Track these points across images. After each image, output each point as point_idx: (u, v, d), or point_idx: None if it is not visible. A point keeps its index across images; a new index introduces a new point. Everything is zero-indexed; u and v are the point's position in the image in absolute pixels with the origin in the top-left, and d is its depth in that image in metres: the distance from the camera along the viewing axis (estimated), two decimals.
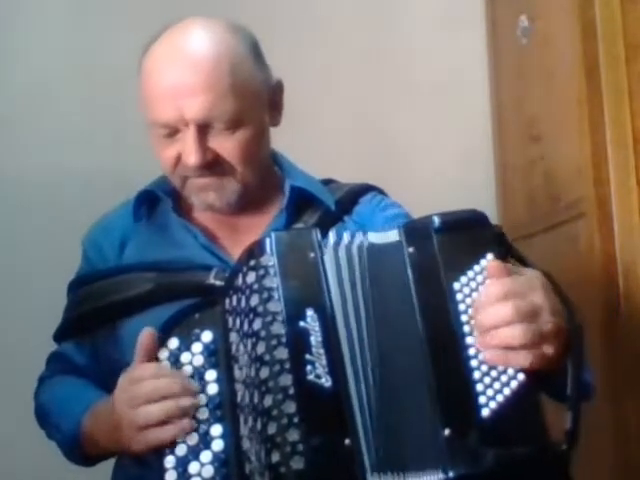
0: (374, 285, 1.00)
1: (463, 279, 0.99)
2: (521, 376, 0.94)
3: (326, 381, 0.93)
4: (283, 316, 0.96)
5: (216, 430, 0.98)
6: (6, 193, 2.00)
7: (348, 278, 1.01)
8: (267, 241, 1.02)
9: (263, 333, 0.96)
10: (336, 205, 1.26)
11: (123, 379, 1.04)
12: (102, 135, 2.03)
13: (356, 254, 1.02)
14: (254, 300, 0.99)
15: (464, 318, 0.97)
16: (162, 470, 0.97)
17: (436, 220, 1.03)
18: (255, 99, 1.19)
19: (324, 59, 2.15)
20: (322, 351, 0.94)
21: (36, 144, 2.02)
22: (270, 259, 1.00)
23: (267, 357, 0.95)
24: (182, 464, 0.97)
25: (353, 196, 1.30)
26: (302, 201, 1.25)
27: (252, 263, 1.01)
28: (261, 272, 1.00)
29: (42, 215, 1.99)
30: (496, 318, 0.94)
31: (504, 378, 0.94)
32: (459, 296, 0.98)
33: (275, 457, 0.90)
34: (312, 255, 1.01)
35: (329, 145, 2.09)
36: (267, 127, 1.24)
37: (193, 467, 0.97)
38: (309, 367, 0.93)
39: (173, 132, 1.16)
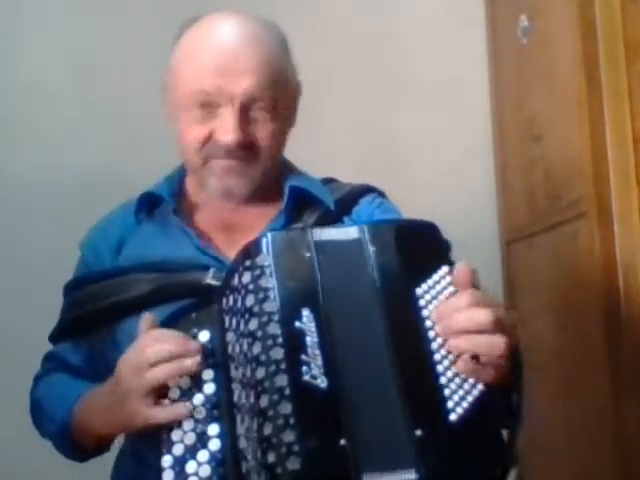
0: (333, 281, 1.00)
1: (424, 285, 1.00)
2: (480, 386, 0.96)
3: (322, 382, 0.92)
4: (279, 316, 0.96)
5: (213, 429, 0.99)
6: (5, 193, 2.00)
7: (339, 276, 1.01)
8: (263, 241, 1.02)
9: (259, 333, 0.96)
10: (335, 205, 1.25)
11: (127, 353, 1.04)
12: (102, 135, 2.03)
13: (312, 251, 1.02)
14: (250, 300, 0.98)
15: (428, 323, 0.98)
16: (159, 469, 0.97)
17: (395, 224, 1.05)
18: (290, 94, 1.22)
19: (324, 59, 2.15)
20: (318, 352, 0.94)
21: (36, 144, 2.02)
22: (266, 259, 1.00)
23: (263, 357, 0.94)
24: (179, 463, 0.97)
25: (353, 196, 1.29)
26: (302, 201, 1.25)
27: (248, 263, 1.01)
28: (257, 272, 0.99)
29: (42, 215, 1.99)
30: (469, 323, 0.95)
31: (466, 386, 0.95)
32: (422, 302, 0.99)
33: (271, 457, 0.90)
34: (307, 255, 1.01)
35: (329, 145, 2.09)
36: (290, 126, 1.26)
37: (190, 466, 0.97)
38: (305, 367, 0.93)
39: (210, 106, 1.15)
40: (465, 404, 0.94)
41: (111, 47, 2.04)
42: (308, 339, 0.95)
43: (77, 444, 1.18)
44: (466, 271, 0.99)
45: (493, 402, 0.96)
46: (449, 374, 0.95)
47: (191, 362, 1.00)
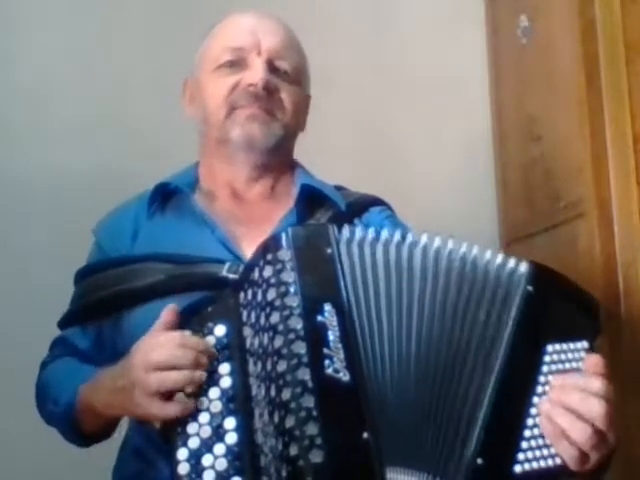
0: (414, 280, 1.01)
1: (558, 347, 0.99)
2: (559, 460, 0.95)
3: (344, 375, 0.93)
4: (300, 310, 0.96)
5: (230, 423, 0.98)
6: (5, 193, 2.00)
7: (360, 274, 1.01)
8: (283, 236, 1.02)
9: (280, 327, 0.96)
10: (347, 207, 1.26)
11: (143, 342, 1.03)
12: (102, 135, 2.02)
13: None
14: (271, 294, 0.98)
15: (542, 379, 0.97)
16: (174, 462, 0.97)
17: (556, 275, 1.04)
18: (304, 92, 1.35)
19: (324, 59, 2.15)
20: (340, 346, 0.94)
21: (35, 144, 2.02)
22: (287, 253, 1.00)
23: (285, 351, 0.94)
24: (195, 457, 0.97)
25: (364, 203, 1.31)
26: (313, 200, 1.26)
27: (269, 257, 1.01)
28: (278, 266, 1.00)
29: (41, 215, 1.99)
30: (584, 408, 0.95)
31: (545, 452, 0.95)
32: (547, 358, 0.98)
33: (293, 450, 0.90)
34: (329, 251, 1.01)
35: (329, 145, 2.09)
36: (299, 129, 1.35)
37: (206, 459, 0.96)
38: (327, 361, 0.93)
39: (238, 62, 1.25)
40: (535, 465, 0.94)
41: (111, 47, 2.04)
42: (330, 333, 0.95)
43: (80, 426, 1.17)
44: (602, 362, 0.99)
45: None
46: (536, 432, 0.95)
47: (199, 375, 0.99)
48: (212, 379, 1.00)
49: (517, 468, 0.93)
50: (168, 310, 1.04)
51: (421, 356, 0.97)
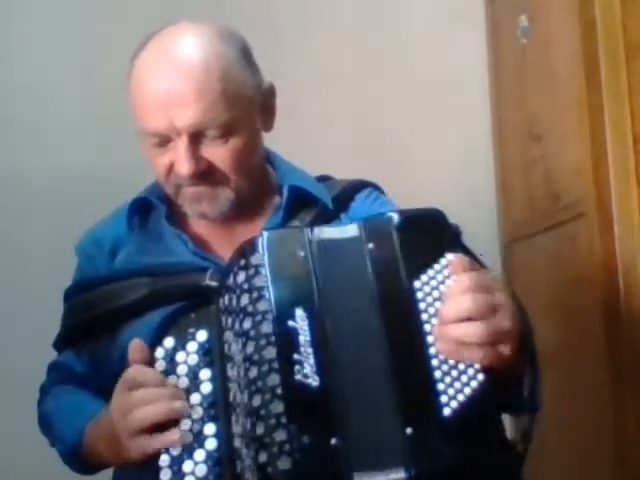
0: (330, 280, 0.99)
1: (424, 277, 0.98)
2: (480, 376, 0.94)
3: (313, 380, 0.92)
4: (272, 315, 0.96)
5: (210, 429, 0.99)
6: (5, 193, 2.00)
7: (332, 275, 1.00)
8: (259, 240, 1.01)
9: (253, 333, 0.96)
10: (332, 202, 1.25)
11: (117, 386, 1.04)
12: (102, 135, 2.03)
13: (307, 250, 1.01)
14: (244, 300, 0.99)
15: (424, 317, 0.96)
16: (157, 469, 0.97)
17: (395, 217, 1.02)
18: (247, 105, 1.17)
19: (324, 59, 2.15)
20: (310, 350, 0.94)
21: (35, 144, 2.02)
22: (261, 258, 1.00)
23: (256, 357, 0.95)
24: (177, 463, 0.97)
25: (349, 192, 1.29)
26: (299, 200, 1.24)
27: (242, 262, 1.01)
28: (251, 271, 1.00)
29: (42, 216, 1.99)
30: (456, 310, 0.94)
31: (464, 378, 0.94)
32: (420, 294, 0.98)
33: (262, 457, 0.90)
34: (302, 254, 1.00)
35: (329, 145, 2.09)
36: (260, 133, 1.22)
37: (187, 466, 0.97)
38: (297, 367, 0.93)
39: (165, 141, 1.15)
40: (461, 397, 0.92)
41: (111, 47, 2.04)
42: (301, 338, 0.94)
43: (86, 463, 1.17)
44: (462, 259, 0.98)
45: (496, 392, 0.94)
46: (445, 367, 0.94)
47: (179, 405, 0.99)
48: (194, 385, 1.01)
49: (446, 411, 0.92)
50: (133, 345, 1.03)
51: (378, 354, 0.96)
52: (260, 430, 0.91)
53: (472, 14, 2.27)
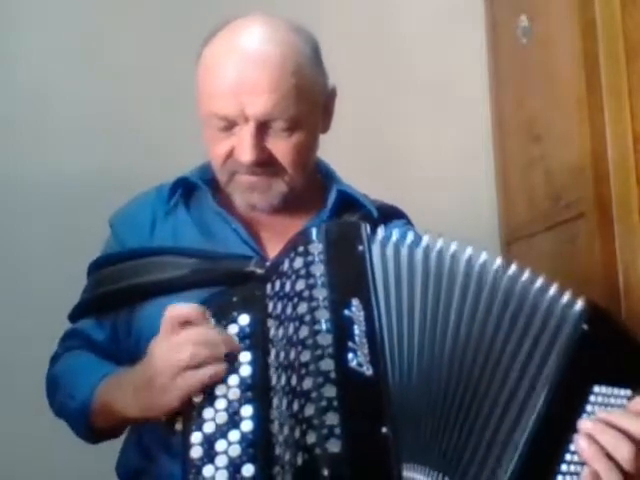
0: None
1: (604, 389, 0.99)
2: None
3: (367, 369, 0.93)
4: (328, 303, 0.97)
5: (246, 411, 0.98)
6: (6, 193, 2.00)
7: (394, 274, 1.01)
8: (314, 230, 1.03)
9: (307, 317, 0.96)
10: (377, 212, 1.27)
11: (163, 325, 1.02)
12: (102, 136, 2.03)
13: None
14: (300, 284, 0.99)
15: (585, 417, 0.97)
16: (186, 446, 0.96)
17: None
18: (314, 103, 1.20)
19: (324, 59, 2.15)
20: (365, 341, 0.94)
21: (36, 145, 2.02)
22: (318, 246, 1.01)
23: (310, 341, 0.94)
24: (209, 441, 0.96)
25: (389, 212, 1.31)
26: (344, 204, 1.26)
27: (300, 249, 1.02)
28: (309, 258, 1.00)
29: (42, 216, 1.99)
30: (612, 444, 0.93)
31: None
32: (592, 398, 0.98)
33: (311, 438, 0.89)
34: (360, 248, 1.01)
35: (329, 145, 2.09)
36: (319, 133, 1.25)
37: (220, 445, 0.96)
38: (351, 354, 0.93)
39: (230, 126, 1.16)
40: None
41: (111, 47, 2.04)
42: (356, 327, 0.95)
43: (92, 422, 1.15)
44: None
45: None
46: (572, 468, 0.95)
47: (222, 368, 0.99)
48: (232, 366, 1.00)
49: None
50: (170, 311, 1.02)
51: (451, 365, 0.97)
52: (309, 412, 0.90)
53: (472, 14, 2.27)
